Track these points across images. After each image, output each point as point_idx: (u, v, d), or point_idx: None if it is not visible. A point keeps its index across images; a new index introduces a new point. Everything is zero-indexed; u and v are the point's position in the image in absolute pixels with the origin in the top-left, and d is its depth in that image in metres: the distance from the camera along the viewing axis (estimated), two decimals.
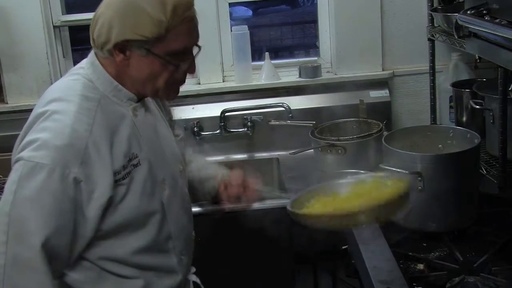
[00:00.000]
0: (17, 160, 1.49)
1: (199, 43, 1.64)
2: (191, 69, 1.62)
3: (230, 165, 2.00)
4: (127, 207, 1.57)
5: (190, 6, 1.55)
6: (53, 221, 1.46)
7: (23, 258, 1.45)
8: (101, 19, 1.53)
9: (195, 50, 1.63)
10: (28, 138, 1.50)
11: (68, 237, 1.49)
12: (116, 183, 1.53)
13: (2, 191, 1.52)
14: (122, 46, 1.52)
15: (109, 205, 1.53)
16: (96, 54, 1.60)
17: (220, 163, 2.05)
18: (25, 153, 1.48)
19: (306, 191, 1.71)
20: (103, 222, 1.54)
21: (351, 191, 1.66)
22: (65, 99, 1.55)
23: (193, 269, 1.86)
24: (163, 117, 1.77)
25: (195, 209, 1.87)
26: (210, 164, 2.02)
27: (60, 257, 1.50)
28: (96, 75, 1.59)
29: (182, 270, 1.74)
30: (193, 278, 1.84)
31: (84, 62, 1.64)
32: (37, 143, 1.47)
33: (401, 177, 1.63)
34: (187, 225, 1.78)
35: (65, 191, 1.46)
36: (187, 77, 1.65)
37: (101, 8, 1.55)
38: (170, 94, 1.65)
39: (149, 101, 1.71)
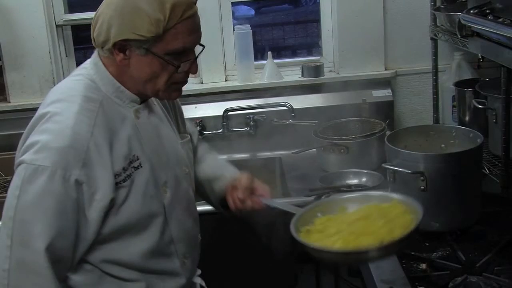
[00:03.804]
0: (19, 164, 1.49)
1: (202, 42, 1.63)
2: (193, 69, 1.60)
3: (239, 166, 1.93)
4: (129, 210, 1.56)
5: (190, 5, 1.53)
6: (56, 224, 1.45)
7: (27, 262, 1.45)
8: (100, 18, 1.52)
9: (198, 49, 1.62)
10: (30, 140, 1.50)
11: (72, 239, 1.49)
12: (117, 185, 1.52)
13: (4, 190, 1.52)
14: (122, 46, 1.52)
15: (111, 208, 1.52)
16: (99, 54, 1.60)
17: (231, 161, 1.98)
18: (26, 156, 1.47)
19: (312, 205, 1.63)
20: (105, 225, 1.53)
21: (360, 214, 1.55)
22: (66, 100, 1.54)
23: (199, 271, 1.85)
24: (169, 118, 1.76)
25: (198, 209, 1.84)
26: (222, 163, 1.96)
27: (64, 260, 1.50)
28: (99, 75, 1.58)
29: (185, 274, 1.72)
30: (198, 280, 1.83)
31: (87, 62, 1.63)
32: (38, 145, 1.47)
33: (414, 205, 1.52)
34: (191, 228, 1.76)
35: (67, 193, 1.45)
36: (189, 76, 1.65)
37: (102, 7, 1.54)
38: (172, 94, 1.64)
39: (154, 102, 1.70)
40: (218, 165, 1.93)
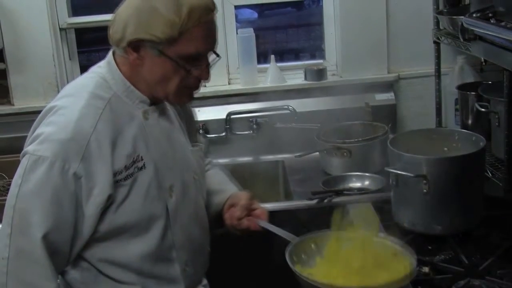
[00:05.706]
0: (24, 154, 1.52)
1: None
2: (204, 75, 1.61)
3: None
4: (129, 209, 1.57)
5: (208, 11, 1.54)
6: (53, 214, 1.47)
7: (25, 251, 1.47)
8: (118, 17, 1.55)
9: (211, 57, 1.62)
10: (36, 132, 1.53)
11: (68, 233, 1.50)
12: (117, 183, 1.53)
13: (7, 193, 1.53)
14: (136, 45, 1.54)
15: (109, 205, 1.54)
16: (113, 53, 1.62)
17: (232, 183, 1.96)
18: (30, 147, 1.50)
19: (307, 236, 1.70)
20: (103, 222, 1.55)
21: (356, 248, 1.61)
22: (75, 95, 1.57)
23: (204, 281, 1.84)
24: (181, 125, 1.77)
25: None
26: (224, 178, 1.96)
27: (61, 253, 1.51)
28: (111, 74, 1.60)
29: (185, 281, 1.71)
30: None
31: (102, 62, 1.65)
32: (42, 136, 1.50)
33: (409, 254, 1.61)
34: (198, 236, 1.75)
35: (64, 185, 1.47)
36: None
37: (122, 6, 1.56)
38: (182, 99, 1.65)
39: (167, 107, 1.71)
40: (219, 180, 1.94)
